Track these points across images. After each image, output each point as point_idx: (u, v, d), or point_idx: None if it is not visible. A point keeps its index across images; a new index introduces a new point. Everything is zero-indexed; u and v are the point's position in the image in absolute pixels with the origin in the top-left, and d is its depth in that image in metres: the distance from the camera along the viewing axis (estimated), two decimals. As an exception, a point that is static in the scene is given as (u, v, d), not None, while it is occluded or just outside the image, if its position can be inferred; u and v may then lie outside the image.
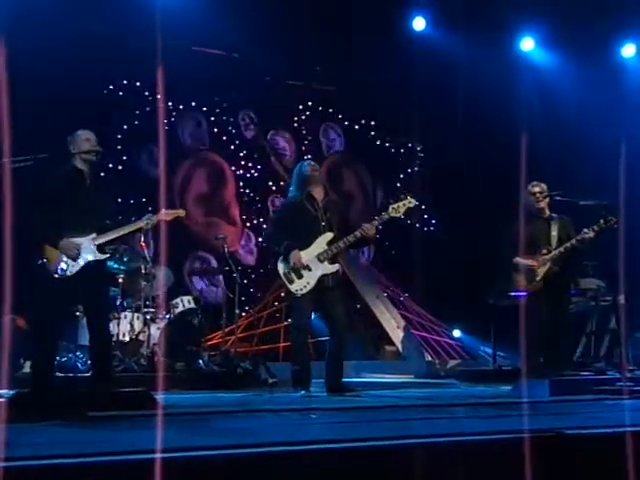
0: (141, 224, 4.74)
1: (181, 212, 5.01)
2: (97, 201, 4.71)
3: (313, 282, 5.22)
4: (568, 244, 5.75)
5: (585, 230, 5.66)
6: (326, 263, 5.24)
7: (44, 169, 4.73)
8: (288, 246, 5.22)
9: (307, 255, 5.23)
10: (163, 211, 4.81)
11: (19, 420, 3.38)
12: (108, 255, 4.74)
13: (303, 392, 5.21)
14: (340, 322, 5.34)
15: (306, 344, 5.41)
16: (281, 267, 5.28)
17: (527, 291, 5.74)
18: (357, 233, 5.23)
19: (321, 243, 5.27)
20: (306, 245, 5.25)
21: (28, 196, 4.62)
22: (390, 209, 5.24)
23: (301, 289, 5.22)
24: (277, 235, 5.40)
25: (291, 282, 5.24)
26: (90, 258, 4.62)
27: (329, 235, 5.29)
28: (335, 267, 5.29)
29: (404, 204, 5.22)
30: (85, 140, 4.70)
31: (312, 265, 5.22)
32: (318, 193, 5.40)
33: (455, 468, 2.74)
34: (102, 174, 5.08)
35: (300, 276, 5.23)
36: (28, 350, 5.77)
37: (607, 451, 2.90)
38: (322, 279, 5.24)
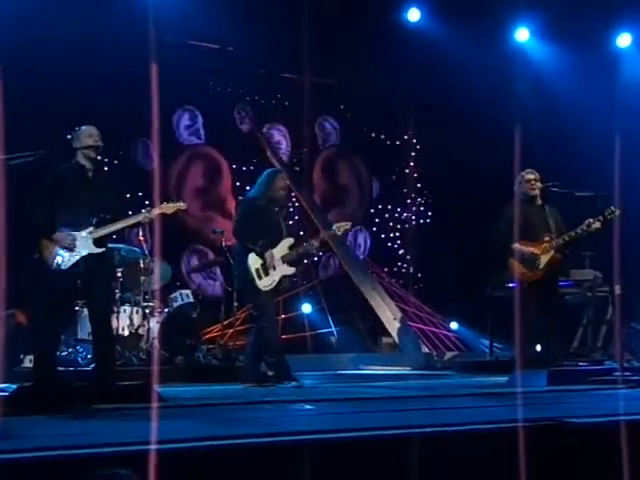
0: (139, 218, 4.72)
1: (182, 205, 4.95)
2: (98, 196, 4.68)
3: (277, 280, 5.63)
4: (573, 233, 5.72)
5: (590, 220, 5.63)
6: (286, 265, 5.68)
7: (43, 165, 4.73)
8: (263, 245, 5.58)
9: (275, 255, 5.62)
10: (163, 205, 4.79)
11: (21, 413, 3.41)
12: (104, 249, 4.69)
13: (294, 383, 5.38)
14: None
15: (277, 337, 5.78)
16: (254, 262, 5.60)
17: (526, 279, 5.73)
18: (307, 246, 5.86)
19: (284, 246, 5.72)
20: (271, 246, 5.63)
21: (26, 191, 4.63)
22: (334, 227, 6.02)
23: (267, 286, 5.58)
24: (249, 232, 5.67)
25: (260, 278, 5.59)
26: (86, 252, 4.62)
27: (290, 240, 5.78)
28: (293, 270, 5.78)
29: (344, 226, 5.99)
30: (87, 136, 4.70)
31: (277, 265, 5.63)
32: (276, 202, 5.79)
33: (453, 457, 2.78)
34: (105, 169, 5.00)
35: (267, 273, 5.60)
36: (28, 345, 5.79)
37: (603, 440, 2.93)
38: (282, 279, 5.68)
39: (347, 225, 6.02)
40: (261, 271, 5.57)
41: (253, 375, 5.55)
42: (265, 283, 5.57)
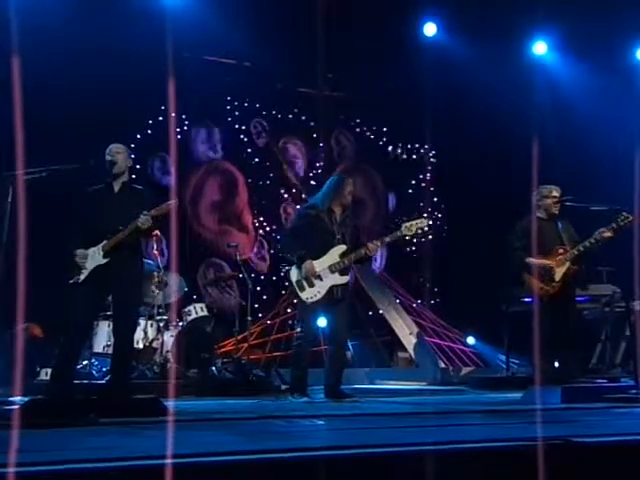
0: (137, 223, 4.69)
1: (171, 203, 4.77)
2: (121, 211, 4.78)
3: (323, 291, 5.36)
4: (587, 242, 5.66)
5: (602, 229, 5.59)
6: (337, 274, 5.38)
7: (74, 183, 4.85)
8: (302, 255, 5.37)
9: (320, 265, 5.37)
10: (157, 207, 4.74)
11: (33, 426, 3.42)
12: (107, 260, 4.72)
13: (305, 398, 5.32)
14: (342, 333, 5.51)
15: (308, 352, 5.51)
16: (294, 275, 5.43)
17: (544, 293, 5.67)
18: (362, 251, 5.39)
19: (334, 254, 5.40)
20: (319, 255, 5.39)
21: (60, 211, 4.74)
22: (403, 227, 5.37)
23: (311, 297, 5.36)
24: (292, 244, 5.53)
25: (302, 290, 5.38)
26: (94, 264, 4.72)
27: (342, 247, 5.44)
28: (345, 279, 5.43)
29: (417, 223, 5.35)
30: (106, 153, 4.86)
31: (324, 275, 5.36)
32: (338, 208, 5.53)
33: (465, 476, 2.74)
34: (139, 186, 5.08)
35: (311, 285, 5.37)
36: (44, 358, 5.83)
37: (619, 459, 2.87)
38: (332, 289, 5.38)
39: (422, 223, 5.32)
40: (303, 283, 5.36)
41: (339, 392, 5.34)
42: (308, 295, 5.34)
